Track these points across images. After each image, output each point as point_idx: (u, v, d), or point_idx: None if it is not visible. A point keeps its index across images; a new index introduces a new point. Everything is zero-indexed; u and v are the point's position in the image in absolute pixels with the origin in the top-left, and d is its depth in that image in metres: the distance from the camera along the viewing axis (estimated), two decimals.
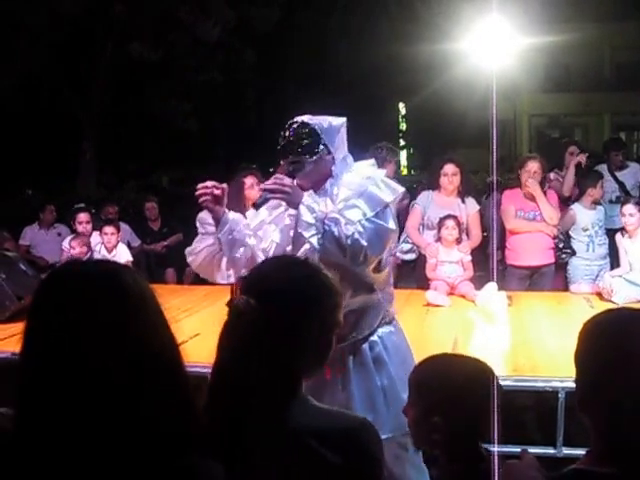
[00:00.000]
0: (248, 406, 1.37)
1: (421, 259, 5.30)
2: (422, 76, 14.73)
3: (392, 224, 2.48)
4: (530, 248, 5.28)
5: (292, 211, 2.46)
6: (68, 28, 11.36)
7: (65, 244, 5.70)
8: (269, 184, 2.42)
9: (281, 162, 2.56)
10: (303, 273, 1.53)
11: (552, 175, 5.92)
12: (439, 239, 5.08)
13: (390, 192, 2.51)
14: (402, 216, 5.56)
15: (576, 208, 5.38)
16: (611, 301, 4.41)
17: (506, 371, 3.27)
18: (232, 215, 2.56)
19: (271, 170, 2.67)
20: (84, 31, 11.81)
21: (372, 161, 2.73)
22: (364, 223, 2.37)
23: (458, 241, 5.03)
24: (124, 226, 6.63)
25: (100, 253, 5.55)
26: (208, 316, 4.35)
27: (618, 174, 6.18)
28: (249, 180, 5.00)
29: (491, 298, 4.36)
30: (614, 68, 24.65)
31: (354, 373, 2.59)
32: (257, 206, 2.55)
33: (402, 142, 22.76)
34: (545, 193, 5.30)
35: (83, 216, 5.93)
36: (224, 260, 2.55)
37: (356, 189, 2.47)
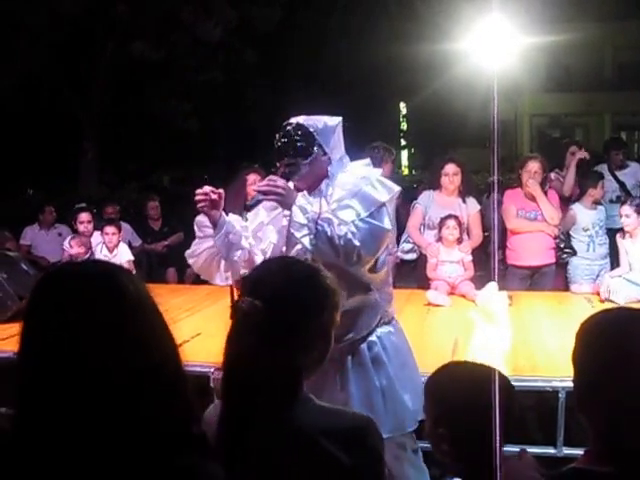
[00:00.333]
0: (255, 407, 1.39)
1: (422, 259, 5.30)
2: (423, 76, 14.70)
3: (387, 224, 2.47)
4: (531, 248, 5.28)
5: (287, 212, 2.46)
6: (68, 28, 11.35)
7: (66, 244, 5.71)
8: (262, 186, 2.43)
9: (277, 164, 2.56)
10: (303, 274, 1.56)
11: (553, 175, 5.92)
12: (440, 239, 5.09)
13: (386, 191, 2.50)
14: (403, 216, 5.58)
15: (576, 208, 5.38)
16: (611, 301, 4.41)
17: (506, 371, 3.27)
18: (229, 218, 2.57)
19: (272, 170, 2.67)
20: (84, 31, 11.79)
21: (367, 161, 2.72)
22: (358, 223, 2.37)
23: (459, 241, 5.04)
24: (125, 226, 6.63)
25: (101, 253, 5.55)
26: (209, 316, 4.36)
27: (618, 173, 6.17)
28: (252, 177, 5.02)
29: (492, 298, 4.36)
30: (616, 68, 24.64)
31: (353, 373, 2.59)
32: (249, 207, 2.55)
33: (403, 142, 22.74)
34: (546, 193, 5.30)
35: (84, 216, 5.93)
36: (223, 262, 2.55)
37: (350, 189, 2.47)
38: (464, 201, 5.34)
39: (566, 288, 5.28)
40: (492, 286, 4.44)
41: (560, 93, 24.10)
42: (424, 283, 5.06)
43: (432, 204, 5.35)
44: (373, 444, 1.42)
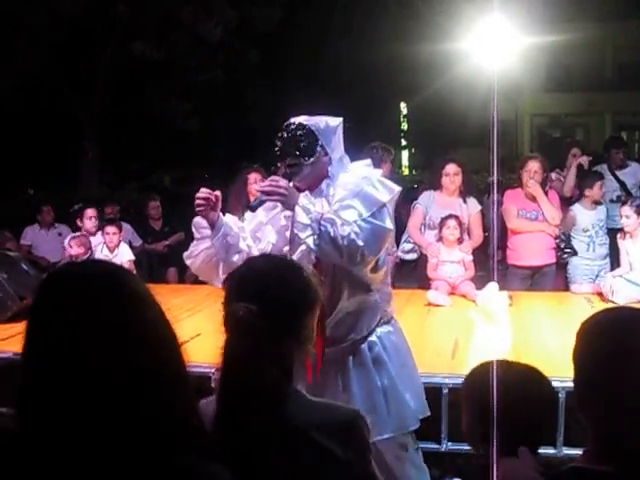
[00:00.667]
0: (251, 406, 1.41)
1: (422, 259, 5.30)
2: (423, 76, 14.70)
3: (389, 224, 2.47)
4: (531, 248, 5.28)
5: (288, 212, 2.46)
6: (68, 28, 11.34)
7: (66, 244, 5.71)
8: (265, 186, 2.43)
9: (279, 164, 2.56)
10: (291, 272, 1.60)
11: (554, 175, 5.92)
12: (440, 239, 5.09)
13: (387, 192, 2.50)
14: (403, 216, 5.58)
15: (576, 209, 5.38)
16: (612, 301, 4.41)
17: None
18: (226, 219, 2.57)
19: (273, 169, 2.67)
20: (84, 31, 11.79)
21: (368, 161, 2.72)
22: (360, 223, 2.37)
23: (459, 241, 5.03)
24: (126, 226, 6.63)
25: (102, 253, 5.55)
26: (210, 316, 4.33)
27: (619, 173, 6.17)
28: (253, 176, 5.02)
29: (492, 298, 4.37)
30: (616, 68, 24.64)
31: (354, 373, 2.59)
32: (252, 208, 2.55)
33: (404, 142, 22.74)
34: (546, 193, 5.30)
35: (91, 211, 5.96)
36: (221, 264, 2.55)
37: (352, 189, 2.47)
38: (465, 201, 5.34)
39: (566, 288, 5.28)
40: (492, 286, 4.44)
41: (560, 93, 24.10)
42: (424, 283, 5.06)
43: (433, 204, 5.35)
44: (362, 435, 1.49)
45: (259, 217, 2.63)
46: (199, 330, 3.84)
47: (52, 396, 1.06)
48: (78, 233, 5.79)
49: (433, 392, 2.98)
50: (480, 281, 4.83)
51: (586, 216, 5.34)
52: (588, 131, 24.18)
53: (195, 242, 2.62)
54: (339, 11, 14.95)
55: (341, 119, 2.63)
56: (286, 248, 2.46)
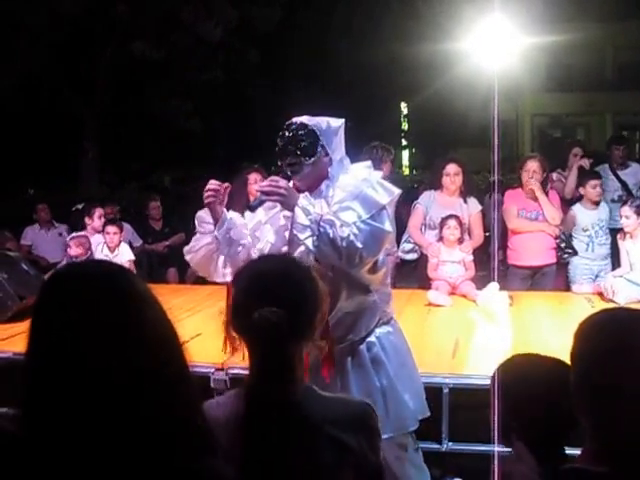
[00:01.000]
0: (279, 412, 1.44)
1: (423, 259, 5.30)
2: (424, 75, 14.70)
3: (388, 226, 2.47)
4: (532, 248, 5.28)
5: (287, 212, 2.46)
6: (68, 28, 11.35)
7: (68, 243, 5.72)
8: (264, 186, 2.43)
9: (279, 163, 2.56)
10: (303, 272, 1.62)
11: (555, 175, 5.91)
12: (441, 239, 5.09)
13: (386, 194, 2.50)
14: (404, 216, 5.58)
15: (576, 208, 5.39)
16: (612, 301, 4.40)
17: None
18: (230, 215, 2.57)
19: (273, 169, 2.67)
20: (84, 31, 11.80)
21: (368, 163, 2.72)
22: (359, 225, 2.36)
23: (460, 241, 5.03)
24: (126, 226, 6.63)
25: (102, 253, 5.55)
26: (210, 316, 4.35)
27: (620, 173, 6.16)
28: (253, 177, 5.02)
29: (492, 298, 4.36)
30: (616, 68, 24.63)
31: (352, 374, 2.59)
32: (252, 208, 2.55)
33: (404, 142, 22.73)
34: (547, 193, 5.30)
35: (100, 210, 6.01)
36: (221, 259, 2.55)
37: (351, 191, 2.47)
38: (465, 201, 5.34)
39: (567, 288, 5.28)
40: (493, 286, 4.44)
41: (561, 93, 24.10)
42: (425, 283, 5.06)
43: (433, 204, 5.35)
44: (373, 425, 1.57)
45: (258, 216, 2.63)
46: (199, 330, 3.84)
47: (54, 396, 1.06)
48: (78, 233, 5.79)
49: (433, 392, 2.97)
50: (480, 281, 4.82)
51: (586, 216, 5.34)
52: (589, 131, 24.19)
53: (197, 236, 2.62)
54: (339, 11, 14.95)
55: (343, 120, 2.63)
56: (284, 248, 2.46)
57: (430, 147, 18.58)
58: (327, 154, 2.53)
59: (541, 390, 1.53)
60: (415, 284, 5.49)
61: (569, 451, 2.85)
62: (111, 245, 5.65)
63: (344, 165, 2.60)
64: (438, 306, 4.56)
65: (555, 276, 5.39)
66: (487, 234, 5.37)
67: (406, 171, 21.77)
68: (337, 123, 2.59)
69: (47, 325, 1.09)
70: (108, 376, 1.05)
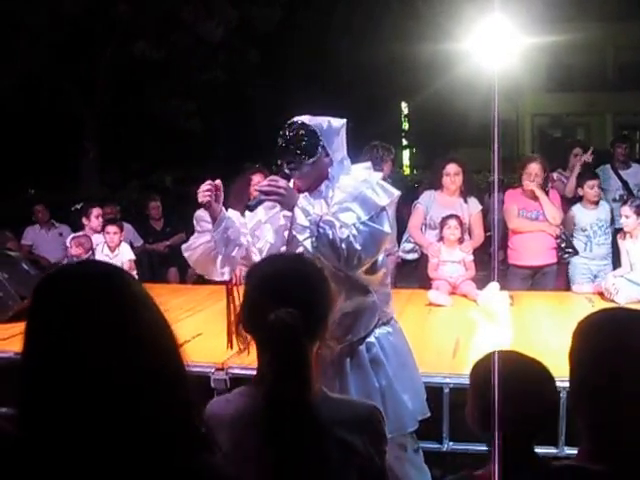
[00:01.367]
0: (295, 414, 1.44)
1: (423, 259, 5.29)
2: (424, 75, 14.70)
3: (387, 228, 2.47)
4: (532, 248, 5.28)
5: (286, 212, 2.45)
6: (68, 28, 11.36)
7: (68, 243, 5.72)
8: (264, 186, 2.42)
9: (279, 162, 2.55)
10: (315, 271, 1.63)
11: (555, 175, 5.91)
12: (441, 239, 5.08)
13: (386, 196, 2.50)
14: (404, 215, 5.57)
15: (576, 209, 5.39)
16: (613, 301, 4.40)
17: None
18: (229, 214, 2.57)
19: (273, 168, 2.67)
20: (84, 31, 11.80)
21: (368, 164, 2.71)
22: (359, 226, 2.36)
23: (460, 241, 5.03)
24: (127, 226, 6.63)
25: (103, 252, 5.55)
26: (210, 316, 4.35)
27: (622, 173, 6.17)
28: (256, 177, 5.00)
29: (493, 298, 4.36)
30: (617, 68, 24.63)
31: (352, 375, 2.58)
32: (251, 208, 2.54)
33: (404, 142, 22.73)
34: (548, 193, 5.30)
35: (97, 210, 5.99)
36: (219, 258, 2.55)
37: (351, 192, 2.46)
38: (465, 201, 5.34)
39: (567, 288, 5.28)
40: (493, 286, 4.44)
41: (561, 93, 24.09)
42: (425, 283, 5.06)
43: (433, 204, 5.35)
44: (381, 428, 1.58)
45: (258, 216, 2.63)
46: (199, 330, 3.84)
47: (52, 396, 1.05)
48: (79, 233, 5.79)
49: (434, 392, 2.97)
50: (481, 281, 4.82)
51: (585, 216, 5.34)
52: (589, 131, 24.18)
53: (195, 235, 2.62)
54: (340, 11, 14.94)
55: (345, 120, 2.62)
56: (283, 248, 2.46)
57: (430, 147, 18.57)
58: (328, 154, 2.52)
59: (514, 389, 1.51)
60: (415, 284, 5.49)
61: (572, 450, 2.84)
62: (111, 245, 5.65)
63: (345, 166, 2.60)
64: (438, 306, 4.56)
65: (556, 276, 5.39)
66: (487, 234, 5.37)
67: (406, 171, 21.76)
68: (338, 123, 2.58)
69: (44, 325, 1.09)
70: (105, 376, 1.05)
